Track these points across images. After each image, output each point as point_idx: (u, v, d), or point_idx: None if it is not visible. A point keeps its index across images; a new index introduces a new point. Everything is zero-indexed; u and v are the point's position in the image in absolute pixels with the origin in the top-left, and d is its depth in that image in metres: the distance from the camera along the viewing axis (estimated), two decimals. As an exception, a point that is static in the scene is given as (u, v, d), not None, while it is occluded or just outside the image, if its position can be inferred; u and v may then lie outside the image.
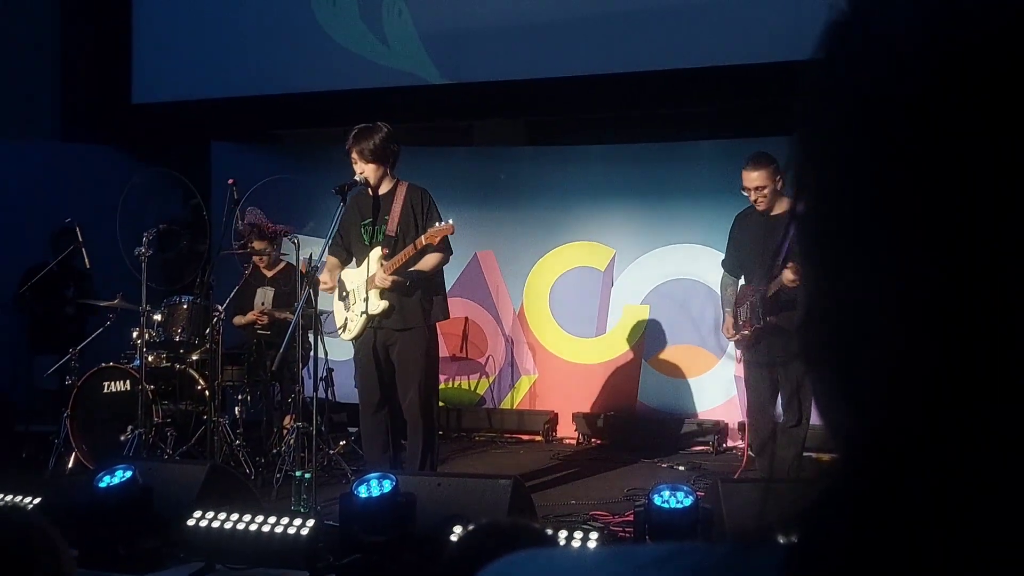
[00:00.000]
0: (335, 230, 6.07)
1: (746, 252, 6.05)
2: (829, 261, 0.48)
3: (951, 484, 0.43)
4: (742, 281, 6.16)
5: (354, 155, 6.05)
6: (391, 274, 5.97)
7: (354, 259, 6.26)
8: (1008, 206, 0.41)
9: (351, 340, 6.24)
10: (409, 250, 5.94)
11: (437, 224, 5.97)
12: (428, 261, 6.05)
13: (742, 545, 0.51)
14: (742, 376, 8.62)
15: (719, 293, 6.46)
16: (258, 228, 7.72)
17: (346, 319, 6.18)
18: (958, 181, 0.41)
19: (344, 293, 6.22)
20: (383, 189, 6.15)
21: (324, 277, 6.22)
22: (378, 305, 6.03)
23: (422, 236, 5.94)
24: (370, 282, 6.04)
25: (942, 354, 0.43)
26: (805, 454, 5.95)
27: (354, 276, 6.20)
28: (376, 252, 6.05)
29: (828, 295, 0.48)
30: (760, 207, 5.88)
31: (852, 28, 0.47)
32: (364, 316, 6.06)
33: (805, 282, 0.50)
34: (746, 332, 5.96)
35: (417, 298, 6.07)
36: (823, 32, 0.49)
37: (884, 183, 0.44)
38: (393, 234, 6.06)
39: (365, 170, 6.04)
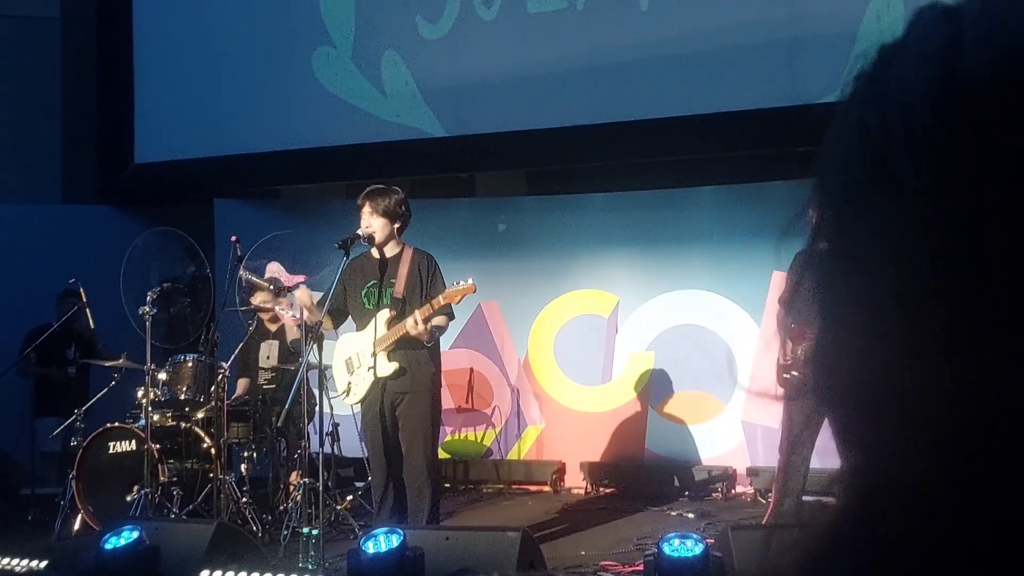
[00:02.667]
0: (335, 286, 6.06)
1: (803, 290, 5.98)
2: (832, 298, 0.49)
3: (954, 525, 0.43)
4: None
5: (366, 208, 6.06)
6: (395, 338, 5.94)
7: (355, 324, 6.24)
8: (1001, 240, 0.42)
9: (355, 404, 6.24)
10: (427, 309, 5.91)
11: (459, 283, 5.95)
12: (439, 321, 6.07)
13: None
14: (745, 422, 8.62)
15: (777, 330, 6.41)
16: (277, 281, 7.76)
17: (349, 383, 6.15)
18: (953, 219, 0.43)
19: (347, 358, 6.20)
20: (390, 251, 6.15)
21: (307, 302, 6.17)
22: (388, 367, 6.00)
23: (440, 296, 5.92)
24: (378, 344, 5.99)
25: (946, 395, 0.43)
26: (807, 498, 5.90)
27: (356, 340, 6.17)
28: (384, 314, 6.04)
29: (833, 332, 0.49)
30: None
31: (869, 75, 0.49)
32: (372, 378, 6.02)
33: (816, 318, 0.51)
34: (796, 372, 5.88)
35: (424, 360, 6.07)
36: (846, 82, 0.51)
37: (883, 220, 0.45)
38: (400, 296, 6.06)
39: (372, 224, 6.04)
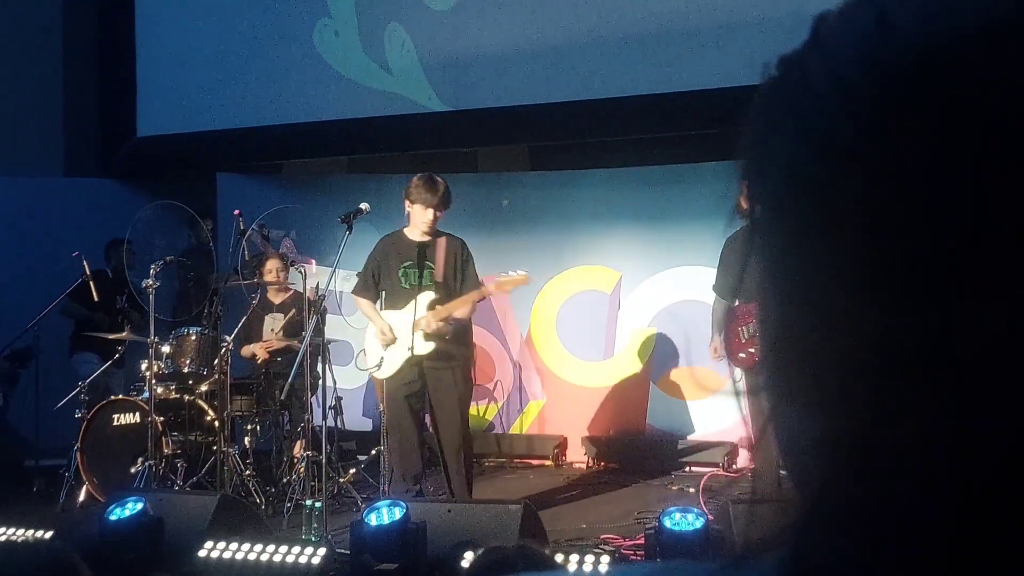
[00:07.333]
0: (368, 265, 6.31)
1: (736, 274, 6.05)
2: (783, 273, 0.51)
3: (942, 488, 0.44)
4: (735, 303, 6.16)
5: (443, 211, 6.25)
6: (440, 320, 6.20)
7: (385, 301, 6.40)
8: (937, 216, 0.44)
9: (386, 378, 6.39)
10: (475, 295, 6.27)
11: (511, 273, 6.29)
12: (466, 308, 6.35)
13: (732, 561, 0.52)
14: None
15: (711, 317, 6.58)
16: (283, 258, 7.79)
17: (382, 358, 6.34)
18: (897, 194, 0.45)
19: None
20: (427, 236, 6.35)
21: (381, 326, 6.33)
22: (424, 347, 6.22)
23: (491, 285, 6.33)
24: (416, 324, 6.18)
25: (901, 363, 0.44)
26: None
27: (392, 318, 6.34)
28: (426, 296, 6.26)
29: (791, 306, 0.50)
30: None
31: (797, 61, 0.53)
32: (408, 355, 6.21)
33: (766, 309, 0.52)
34: (751, 350, 5.94)
35: (453, 339, 6.31)
36: (777, 62, 0.55)
37: (834, 187, 0.47)
38: (441, 280, 6.30)
39: (437, 219, 6.24)
